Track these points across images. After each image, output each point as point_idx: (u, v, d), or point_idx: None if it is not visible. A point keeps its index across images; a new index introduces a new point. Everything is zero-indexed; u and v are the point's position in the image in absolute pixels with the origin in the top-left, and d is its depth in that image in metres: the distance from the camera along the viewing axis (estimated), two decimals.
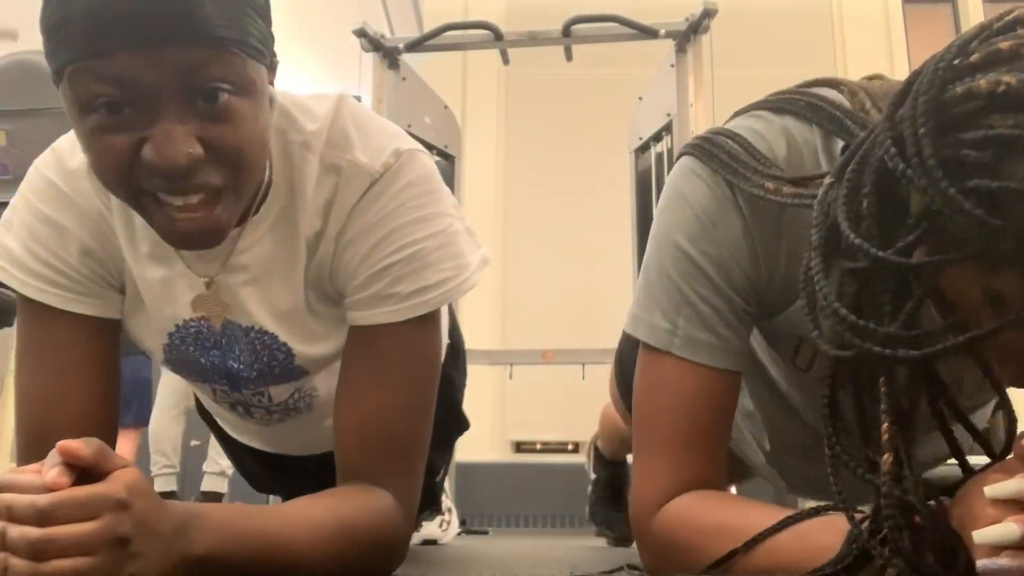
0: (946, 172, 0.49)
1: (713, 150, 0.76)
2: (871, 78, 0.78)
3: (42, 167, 0.86)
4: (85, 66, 0.63)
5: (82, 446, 0.54)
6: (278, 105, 0.83)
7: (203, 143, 0.67)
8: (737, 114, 0.81)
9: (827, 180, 0.60)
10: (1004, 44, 0.50)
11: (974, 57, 0.51)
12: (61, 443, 0.54)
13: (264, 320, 0.88)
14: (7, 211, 0.86)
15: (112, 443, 0.84)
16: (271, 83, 0.77)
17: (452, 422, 1.25)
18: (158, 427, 3.65)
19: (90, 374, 0.85)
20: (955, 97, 0.50)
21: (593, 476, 1.89)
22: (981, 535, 0.50)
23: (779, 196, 0.69)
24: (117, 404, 0.88)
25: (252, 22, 0.68)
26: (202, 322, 0.89)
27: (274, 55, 0.76)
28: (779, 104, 0.77)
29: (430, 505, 1.63)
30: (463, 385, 1.32)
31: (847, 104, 0.73)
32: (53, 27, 0.63)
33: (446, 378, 1.08)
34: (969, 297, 0.53)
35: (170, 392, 3.61)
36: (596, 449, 1.87)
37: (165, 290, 0.87)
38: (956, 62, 0.52)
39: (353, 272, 0.83)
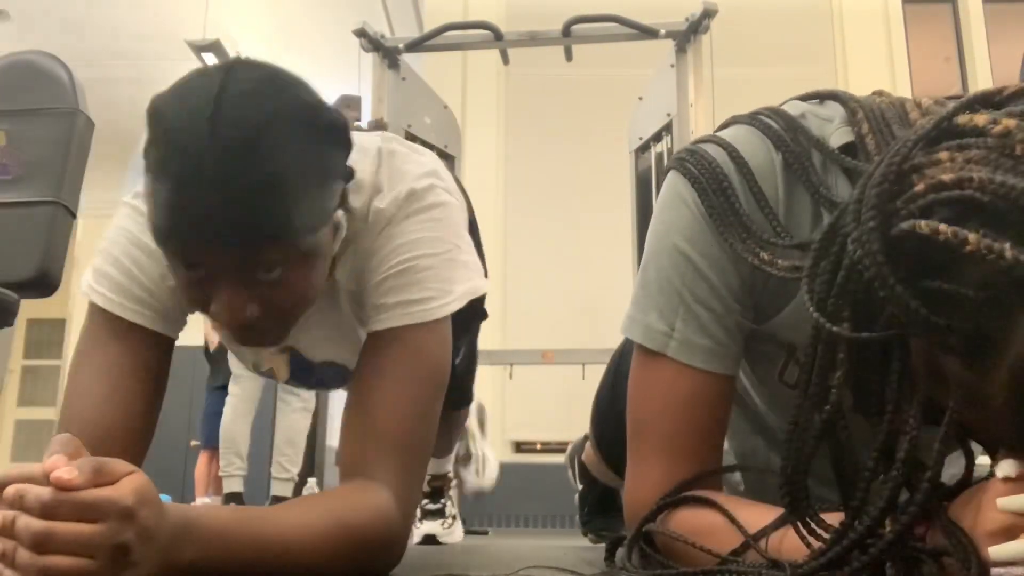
0: (896, 267, 0.51)
1: (706, 182, 0.76)
2: (875, 94, 0.78)
3: (140, 206, 0.93)
4: (168, 247, 0.75)
5: (73, 477, 0.53)
6: None
7: (260, 304, 0.77)
8: (736, 120, 0.81)
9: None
10: (944, 155, 0.52)
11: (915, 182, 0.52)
12: (54, 475, 0.53)
13: (330, 355, 1.07)
14: (104, 243, 0.94)
15: (144, 449, 0.90)
16: (337, 218, 0.83)
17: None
18: (232, 430, 3.76)
19: (140, 383, 0.90)
20: (900, 203, 0.52)
21: (580, 487, 1.85)
22: (997, 552, 0.50)
23: (773, 268, 0.71)
24: (157, 414, 0.93)
25: (313, 205, 0.76)
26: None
27: (340, 205, 0.83)
28: (765, 120, 0.78)
29: (460, 403, 1.67)
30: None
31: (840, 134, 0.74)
32: (153, 207, 0.74)
33: None
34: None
35: (246, 397, 3.76)
36: (582, 464, 1.83)
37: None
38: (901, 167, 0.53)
39: (368, 291, 0.91)
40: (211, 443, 4.13)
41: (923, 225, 0.49)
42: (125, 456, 0.62)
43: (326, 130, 0.77)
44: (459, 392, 1.60)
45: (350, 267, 0.92)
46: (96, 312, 0.91)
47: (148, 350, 0.91)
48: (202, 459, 4.52)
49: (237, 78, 0.73)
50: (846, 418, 0.59)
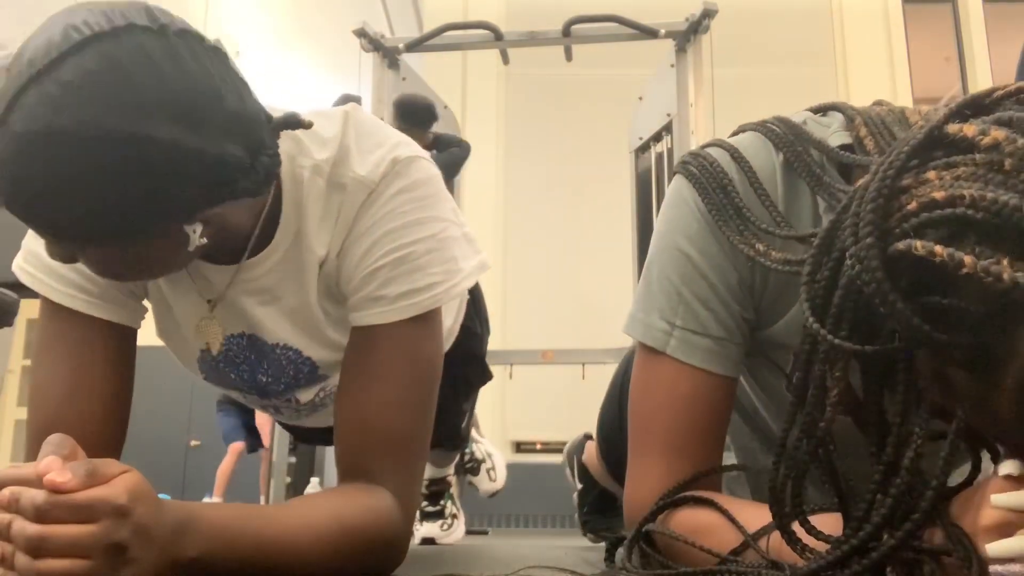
0: (895, 284, 0.51)
1: (707, 181, 0.76)
2: (875, 103, 0.79)
3: None
4: None
5: (67, 478, 0.53)
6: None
7: (114, 264, 0.72)
8: (743, 128, 0.81)
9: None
10: (932, 174, 0.52)
11: (907, 202, 0.52)
12: (47, 479, 0.53)
13: (287, 336, 0.92)
14: None
15: (120, 441, 0.87)
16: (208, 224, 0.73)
17: (473, 372, 1.31)
18: None
19: (105, 374, 0.87)
20: (894, 221, 0.52)
21: (579, 486, 1.85)
22: (994, 548, 0.50)
23: (766, 260, 0.71)
24: (128, 405, 0.90)
25: (129, 212, 0.65)
26: (231, 339, 0.93)
27: (209, 204, 0.69)
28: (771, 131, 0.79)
29: (458, 447, 1.79)
30: (485, 334, 1.36)
31: (842, 136, 0.75)
32: None
33: (466, 331, 1.17)
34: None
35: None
36: (581, 464, 1.82)
37: (192, 311, 0.91)
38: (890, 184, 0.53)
39: (350, 276, 0.85)
40: (235, 436, 4.14)
41: (919, 247, 0.49)
42: (98, 453, 0.61)
43: (154, 143, 0.62)
44: (456, 440, 1.65)
45: (329, 235, 0.85)
46: (42, 301, 0.88)
47: (96, 337, 0.86)
48: (231, 455, 4.53)
49: (64, 67, 0.60)
50: (835, 443, 0.59)
